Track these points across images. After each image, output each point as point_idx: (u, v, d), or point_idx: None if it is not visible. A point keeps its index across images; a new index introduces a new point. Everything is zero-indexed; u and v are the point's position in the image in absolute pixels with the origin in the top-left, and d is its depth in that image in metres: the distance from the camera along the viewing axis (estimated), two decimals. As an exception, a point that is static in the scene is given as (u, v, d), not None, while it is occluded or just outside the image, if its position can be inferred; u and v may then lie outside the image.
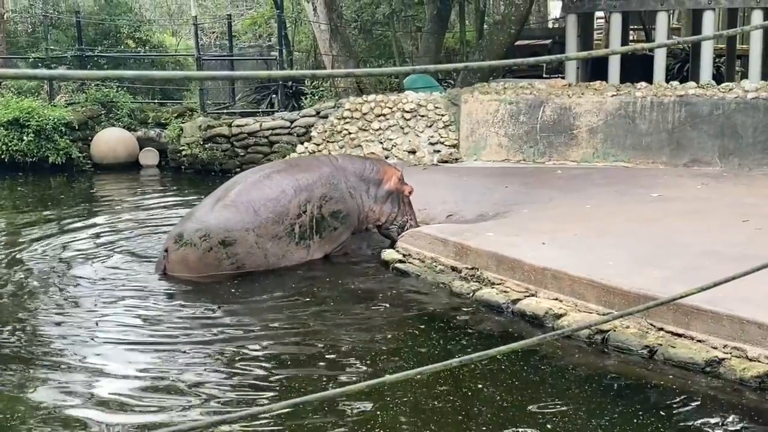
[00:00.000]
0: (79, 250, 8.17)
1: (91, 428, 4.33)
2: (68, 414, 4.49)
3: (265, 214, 7.13)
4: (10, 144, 13.39)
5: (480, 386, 4.76)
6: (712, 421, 4.32)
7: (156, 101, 16.35)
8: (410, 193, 8.02)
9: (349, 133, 11.77)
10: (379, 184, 7.88)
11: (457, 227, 7.58)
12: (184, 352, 5.39)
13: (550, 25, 24.64)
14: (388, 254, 7.44)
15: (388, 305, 6.32)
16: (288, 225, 7.22)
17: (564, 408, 4.45)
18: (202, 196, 11.72)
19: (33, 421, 4.43)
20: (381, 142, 11.59)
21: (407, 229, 7.82)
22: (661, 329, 5.13)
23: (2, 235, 9.30)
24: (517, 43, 15.11)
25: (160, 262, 7.11)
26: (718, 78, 13.68)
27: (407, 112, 11.61)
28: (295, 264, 7.28)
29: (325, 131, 11.91)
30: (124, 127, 14.46)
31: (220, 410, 4.50)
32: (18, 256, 7.99)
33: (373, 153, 11.14)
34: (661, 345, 5.02)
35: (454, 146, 11.38)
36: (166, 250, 7.07)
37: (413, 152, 11.42)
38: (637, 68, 13.12)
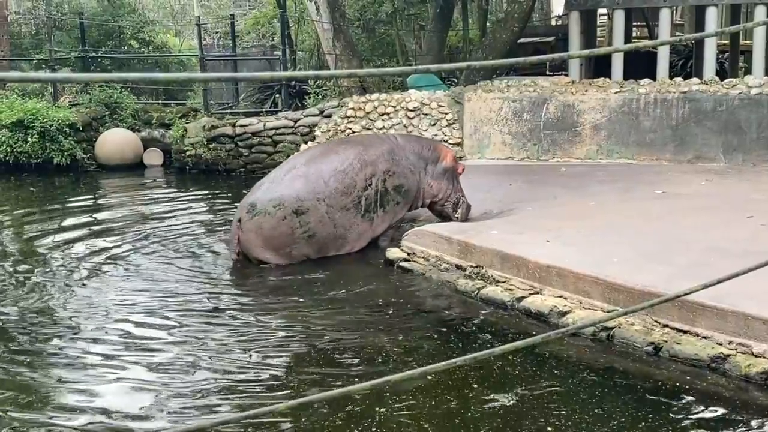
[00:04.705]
0: (99, 249, 8.19)
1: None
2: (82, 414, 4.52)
3: (333, 185, 7.44)
4: (14, 145, 13.43)
5: (484, 384, 4.76)
6: (718, 417, 4.31)
7: (160, 102, 16.37)
8: (462, 171, 8.27)
9: (353, 132, 11.77)
10: (437, 161, 8.14)
11: (462, 225, 7.59)
12: (183, 350, 5.39)
13: (553, 23, 24.63)
14: (392, 253, 7.44)
15: (392, 304, 6.31)
16: (355, 197, 7.53)
17: (569, 405, 4.45)
18: (208, 195, 11.84)
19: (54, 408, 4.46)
20: (385, 141, 11.58)
21: (460, 206, 8.11)
22: (666, 326, 5.13)
23: (18, 234, 9.34)
24: (520, 40, 15.11)
25: (234, 233, 7.32)
26: (722, 74, 13.64)
27: (411, 110, 11.61)
28: (359, 236, 7.60)
29: (329, 130, 11.92)
30: (128, 128, 14.49)
31: (223, 411, 4.51)
32: (38, 255, 8.05)
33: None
34: (666, 342, 5.02)
35: (457, 144, 11.37)
36: (239, 221, 7.29)
37: (417, 151, 11.42)
38: (640, 65, 13.08)
